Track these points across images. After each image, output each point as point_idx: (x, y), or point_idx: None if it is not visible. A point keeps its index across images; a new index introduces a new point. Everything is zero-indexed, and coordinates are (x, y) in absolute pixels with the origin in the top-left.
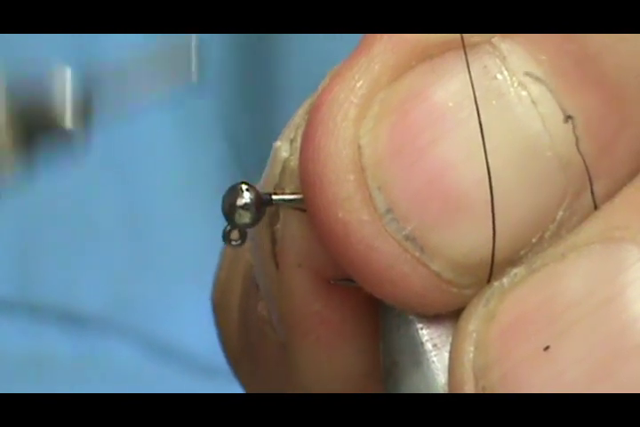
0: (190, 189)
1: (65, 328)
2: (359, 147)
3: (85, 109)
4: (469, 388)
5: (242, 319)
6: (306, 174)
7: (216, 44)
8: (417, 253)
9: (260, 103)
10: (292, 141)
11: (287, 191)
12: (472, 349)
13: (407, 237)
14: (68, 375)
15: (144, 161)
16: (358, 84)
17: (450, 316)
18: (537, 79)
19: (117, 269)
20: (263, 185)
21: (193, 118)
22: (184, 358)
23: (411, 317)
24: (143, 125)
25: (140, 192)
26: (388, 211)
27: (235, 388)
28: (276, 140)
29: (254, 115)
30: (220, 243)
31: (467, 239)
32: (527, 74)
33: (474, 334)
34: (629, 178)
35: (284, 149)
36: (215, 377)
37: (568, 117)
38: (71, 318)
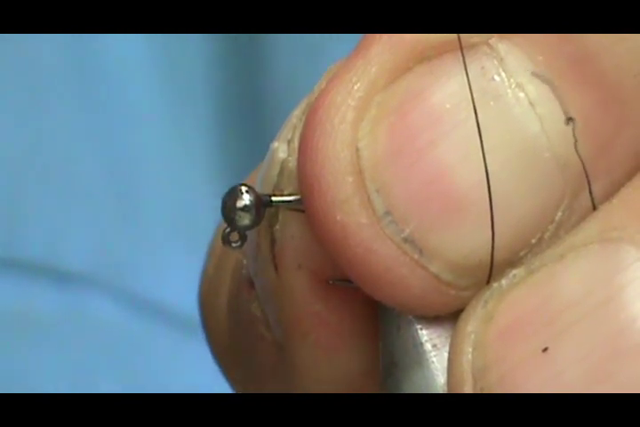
0: (179, 148)
1: (50, 285)
2: (357, 149)
3: None
4: (468, 389)
5: (231, 318)
6: (304, 177)
7: (205, 44)
8: (416, 256)
9: (250, 103)
10: (289, 142)
11: (286, 192)
12: (470, 350)
13: (406, 240)
14: (52, 332)
15: (131, 119)
16: (355, 87)
17: (449, 316)
18: (544, 80)
19: (103, 226)
20: (261, 186)
21: (187, 84)
22: (168, 316)
23: (410, 317)
24: (134, 90)
25: (127, 149)
26: (387, 213)
27: None
28: (271, 140)
29: (245, 114)
30: (208, 201)
31: (466, 241)
32: (534, 74)
33: (472, 336)
34: (628, 178)
35: (281, 149)
36: (199, 334)
37: (569, 119)
38: (57, 275)
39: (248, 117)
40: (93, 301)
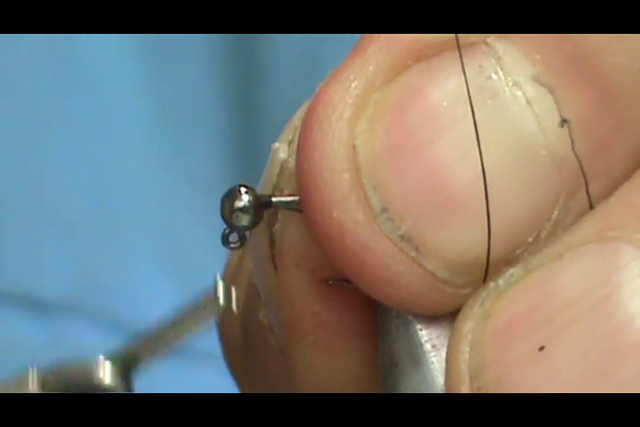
0: (162, 174)
1: (29, 313)
2: (354, 146)
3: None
4: (465, 388)
5: (244, 329)
6: (301, 174)
7: (204, 43)
8: (412, 253)
9: (242, 125)
10: (290, 143)
11: (285, 193)
12: (468, 349)
13: (402, 237)
14: (34, 360)
15: (110, 142)
16: (353, 85)
17: (449, 317)
18: (543, 83)
19: (82, 252)
20: (261, 186)
21: (168, 99)
22: None
23: (410, 317)
24: (114, 106)
25: (107, 175)
26: (384, 210)
27: (201, 369)
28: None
29: (240, 112)
30: (190, 226)
31: (462, 238)
32: (534, 79)
33: (469, 335)
34: (625, 178)
35: (282, 150)
36: (184, 358)
37: (564, 121)
38: (35, 303)
39: (240, 140)
40: (75, 328)
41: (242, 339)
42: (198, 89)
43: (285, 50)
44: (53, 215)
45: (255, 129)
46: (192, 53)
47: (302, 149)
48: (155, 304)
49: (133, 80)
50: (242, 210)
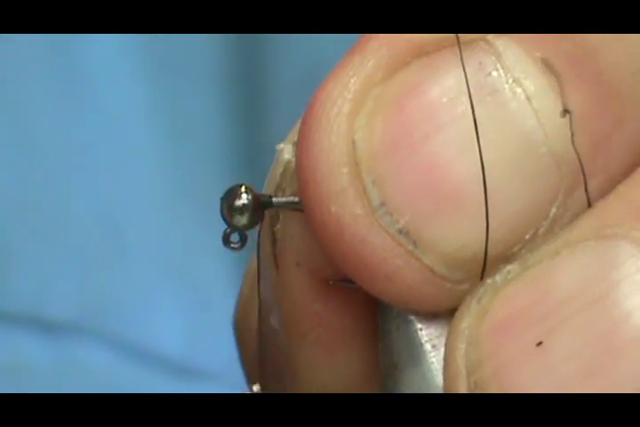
0: (168, 193)
1: (37, 334)
2: (353, 141)
3: None
4: (462, 383)
5: (258, 336)
6: (300, 170)
7: (205, 46)
8: (410, 247)
9: (249, 107)
10: (294, 144)
11: (287, 192)
12: (464, 345)
13: (400, 231)
14: (44, 383)
15: (119, 164)
16: (352, 81)
17: (448, 317)
18: (552, 70)
19: (88, 273)
20: (266, 187)
21: (175, 120)
22: (159, 361)
23: (410, 317)
24: (122, 128)
25: (114, 195)
26: (382, 204)
27: (210, 389)
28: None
29: (244, 119)
30: (196, 245)
31: (459, 234)
32: (544, 61)
33: (466, 331)
34: (623, 175)
35: (286, 151)
36: (191, 378)
37: (565, 111)
38: (44, 324)
39: (253, 161)
40: (83, 348)
41: (257, 346)
42: (208, 109)
43: (290, 58)
44: (62, 237)
45: (265, 146)
46: (198, 73)
47: (302, 144)
48: (163, 325)
49: (140, 100)
50: (241, 209)
